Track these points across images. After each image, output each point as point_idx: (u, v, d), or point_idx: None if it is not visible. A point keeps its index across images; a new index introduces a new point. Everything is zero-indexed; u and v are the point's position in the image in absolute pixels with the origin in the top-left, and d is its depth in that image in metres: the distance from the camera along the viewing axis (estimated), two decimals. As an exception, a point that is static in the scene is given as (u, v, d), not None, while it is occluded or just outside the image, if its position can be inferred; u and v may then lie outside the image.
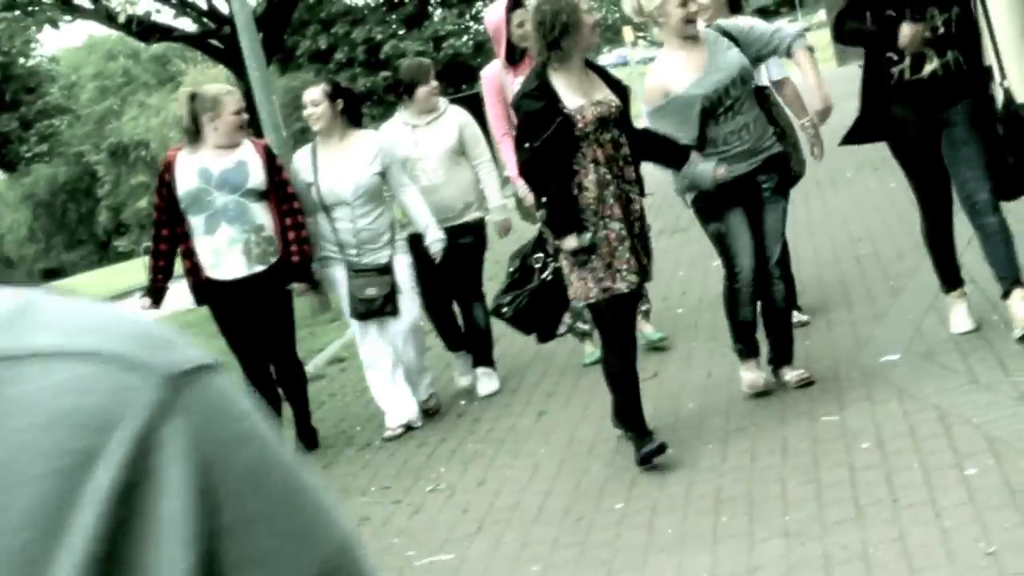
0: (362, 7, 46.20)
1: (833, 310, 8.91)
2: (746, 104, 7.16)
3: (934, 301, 7.99)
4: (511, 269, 7.48)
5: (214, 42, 19.46)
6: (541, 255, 7.31)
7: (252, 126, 9.02)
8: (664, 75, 7.21)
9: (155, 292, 8.48)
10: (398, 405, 8.73)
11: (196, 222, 8.33)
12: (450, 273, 9.05)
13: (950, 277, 7.57)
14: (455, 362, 9.67)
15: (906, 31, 6.93)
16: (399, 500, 7.47)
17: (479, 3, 46.41)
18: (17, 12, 16.23)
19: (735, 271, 7.24)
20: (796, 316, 8.30)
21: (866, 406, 6.76)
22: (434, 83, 9.06)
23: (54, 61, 52.78)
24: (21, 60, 35.26)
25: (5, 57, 31.55)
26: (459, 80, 44.50)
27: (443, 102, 9.26)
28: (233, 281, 8.35)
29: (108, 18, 18.44)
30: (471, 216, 9.07)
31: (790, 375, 7.42)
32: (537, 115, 6.65)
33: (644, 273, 6.85)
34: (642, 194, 6.93)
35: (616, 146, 6.74)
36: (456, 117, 9.14)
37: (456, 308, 9.47)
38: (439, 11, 46.26)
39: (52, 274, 53.86)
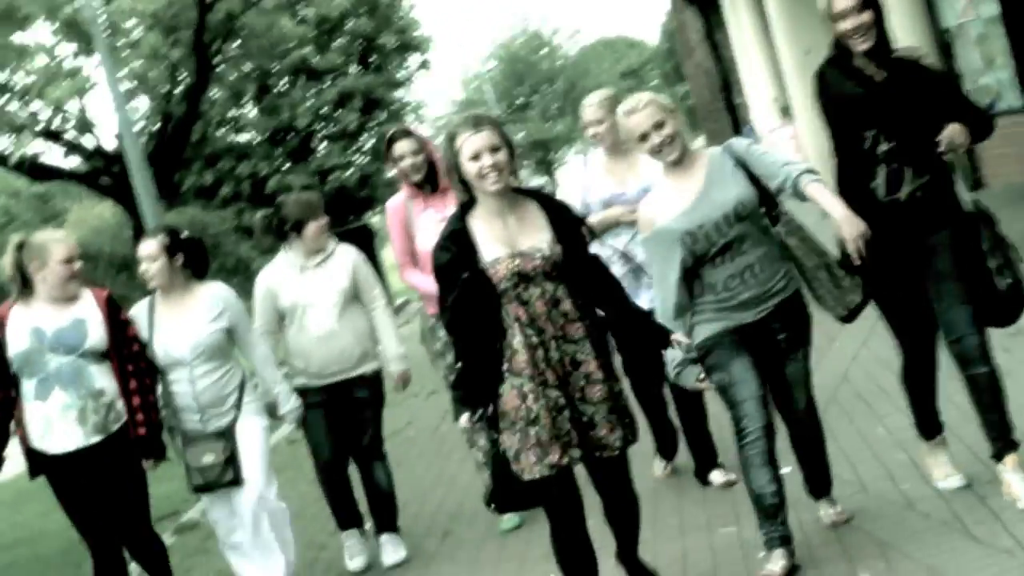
0: (246, 143, 46.41)
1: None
2: (748, 242, 6.20)
3: (823, 412, 8.28)
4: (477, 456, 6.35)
5: (104, 179, 19.60)
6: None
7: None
8: (653, 201, 6.38)
9: None
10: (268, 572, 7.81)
11: (28, 386, 7.41)
12: (346, 432, 8.36)
13: (929, 424, 6.80)
14: (344, 544, 8.57)
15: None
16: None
17: (363, 136, 46.93)
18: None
19: (743, 429, 6.21)
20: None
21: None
22: (324, 218, 8.30)
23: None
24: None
25: None
26: (345, 213, 44.80)
27: (332, 241, 8.45)
28: (65, 455, 7.40)
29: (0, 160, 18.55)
30: (367, 367, 8.35)
31: (825, 511, 6.69)
32: (445, 269, 5.84)
33: (592, 446, 5.87)
34: (603, 353, 5.95)
35: (552, 302, 5.82)
36: (347, 257, 8.37)
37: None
38: (323, 145, 46.59)
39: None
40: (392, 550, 8.38)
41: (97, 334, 7.40)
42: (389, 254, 37.33)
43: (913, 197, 6.24)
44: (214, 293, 7.80)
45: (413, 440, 12.27)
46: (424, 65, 48.29)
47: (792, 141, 23.67)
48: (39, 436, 7.35)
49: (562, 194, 8.20)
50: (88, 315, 7.44)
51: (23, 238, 7.54)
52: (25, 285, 7.45)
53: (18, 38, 13.05)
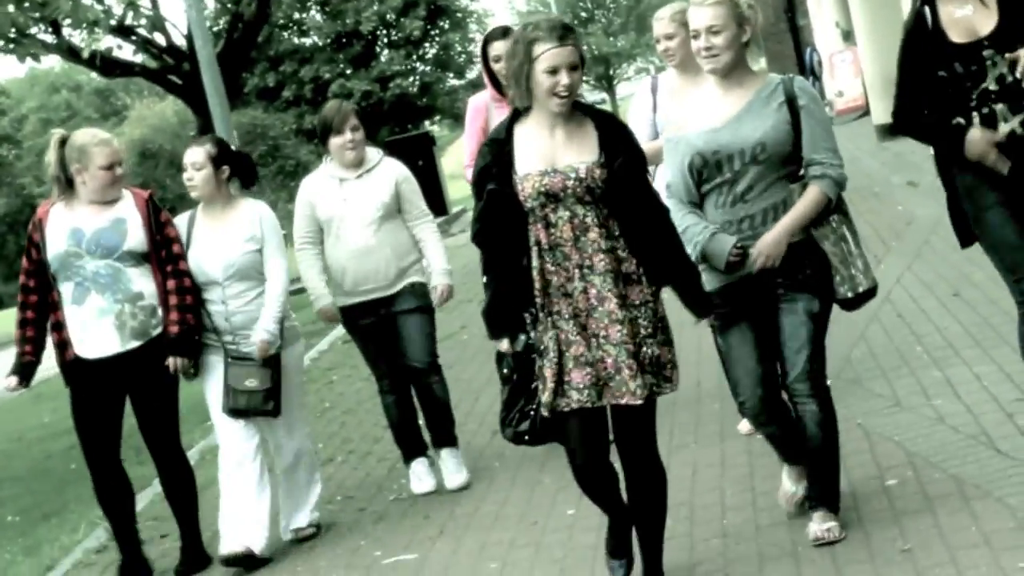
0: (310, 46, 46.72)
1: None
2: (755, 189, 5.63)
3: (864, 330, 8.59)
4: (505, 371, 5.62)
5: (173, 78, 19.97)
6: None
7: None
8: (691, 104, 5.92)
9: (23, 368, 7.36)
10: (243, 526, 7.31)
11: (65, 290, 7.25)
12: (397, 348, 8.00)
13: None
14: (411, 471, 8.17)
15: (975, 137, 5.78)
16: (363, 508, 8.00)
17: (426, 44, 47.12)
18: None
19: (740, 402, 5.94)
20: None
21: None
22: (351, 134, 7.83)
23: (2, 93, 53.18)
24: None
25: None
26: (405, 120, 45.15)
27: (375, 152, 8.10)
28: (102, 360, 7.21)
29: (71, 53, 18.92)
30: (408, 281, 7.95)
31: (815, 527, 5.75)
32: (479, 176, 5.49)
33: (607, 389, 5.38)
34: (649, 282, 5.41)
35: (580, 228, 5.34)
36: (391, 170, 8.01)
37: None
38: (386, 52, 46.81)
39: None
40: (454, 470, 8.01)
41: (137, 236, 7.25)
42: (448, 163, 37.64)
43: (1013, 136, 5.75)
44: (254, 211, 7.50)
45: (466, 344, 12.61)
46: (490, -26, 48.43)
47: (853, 66, 23.80)
48: (77, 341, 7.20)
49: (630, 116, 7.61)
50: (128, 215, 7.29)
51: (64, 134, 7.35)
52: (69, 184, 7.30)
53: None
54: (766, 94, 5.65)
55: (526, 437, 5.59)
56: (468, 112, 8.39)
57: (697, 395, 8.51)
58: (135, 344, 7.20)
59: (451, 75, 48.16)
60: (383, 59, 46.52)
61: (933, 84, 5.83)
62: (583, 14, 76.55)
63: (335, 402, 11.66)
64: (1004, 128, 5.73)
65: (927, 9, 5.85)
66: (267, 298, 7.37)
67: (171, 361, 7.23)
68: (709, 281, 5.68)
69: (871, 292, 5.75)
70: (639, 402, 5.36)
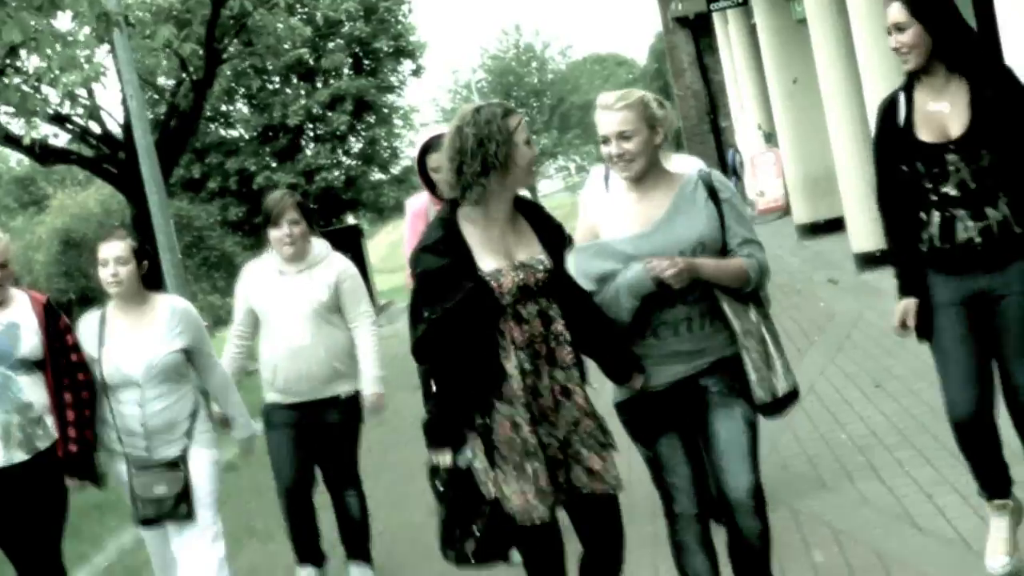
0: (236, 139, 46.99)
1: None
2: (696, 292, 5.20)
3: (790, 420, 8.93)
4: (439, 487, 5.20)
5: (108, 167, 20.20)
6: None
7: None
8: (604, 212, 5.41)
9: None
10: None
11: None
12: (316, 457, 7.71)
13: (994, 480, 5.83)
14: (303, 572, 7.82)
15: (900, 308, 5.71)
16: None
17: (351, 139, 47.52)
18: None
19: (672, 513, 5.37)
20: None
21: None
22: (288, 227, 7.47)
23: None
24: None
25: None
26: (330, 213, 45.38)
27: (322, 247, 7.72)
28: None
29: (10, 140, 19.15)
30: (341, 389, 7.61)
31: None
32: (438, 276, 5.06)
33: (565, 493, 5.17)
34: (583, 380, 5.30)
35: (545, 320, 5.13)
36: (334, 267, 7.64)
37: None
38: (312, 145, 47.17)
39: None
40: None
41: (31, 342, 6.79)
42: (376, 252, 37.90)
43: (970, 244, 5.54)
44: (173, 307, 7.03)
45: (398, 429, 12.81)
46: (417, 72, 49.02)
47: (775, 167, 24.41)
48: None
49: (582, 206, 6.97)
50: (22, 320, 6.84)
51: None
52: None
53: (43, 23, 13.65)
54: (690, 190, 5.28)
55: (471, 558, 5.18)
56: (408, 217, 7.78)
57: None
58: (20, 458, 6.71)
59: (376, 169, 48.60)
60: (309, 152, 46.87)
61: (897, 175, 5.65)
62: (506, 112, 77.35)
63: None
64: (963, 235, 5.50)
65: (902, 96, 5.64)
66: (227, 397, 7.18)
67: (70, 482, 6.81)
68: (629, 389, 5.30)
69: (791, 396, 5.32)
70: (611, 491, 5.21)
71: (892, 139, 5.62)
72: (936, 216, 5.55)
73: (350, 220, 43.94)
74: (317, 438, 7.63)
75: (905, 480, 7.41)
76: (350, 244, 32.97)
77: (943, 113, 5.52)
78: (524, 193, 5.37)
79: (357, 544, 7.83)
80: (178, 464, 6.88)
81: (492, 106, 5.17)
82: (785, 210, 22.90)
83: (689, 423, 5.31)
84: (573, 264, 5.22)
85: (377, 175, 48.98)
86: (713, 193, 5.30)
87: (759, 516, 5.27)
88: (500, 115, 5.09)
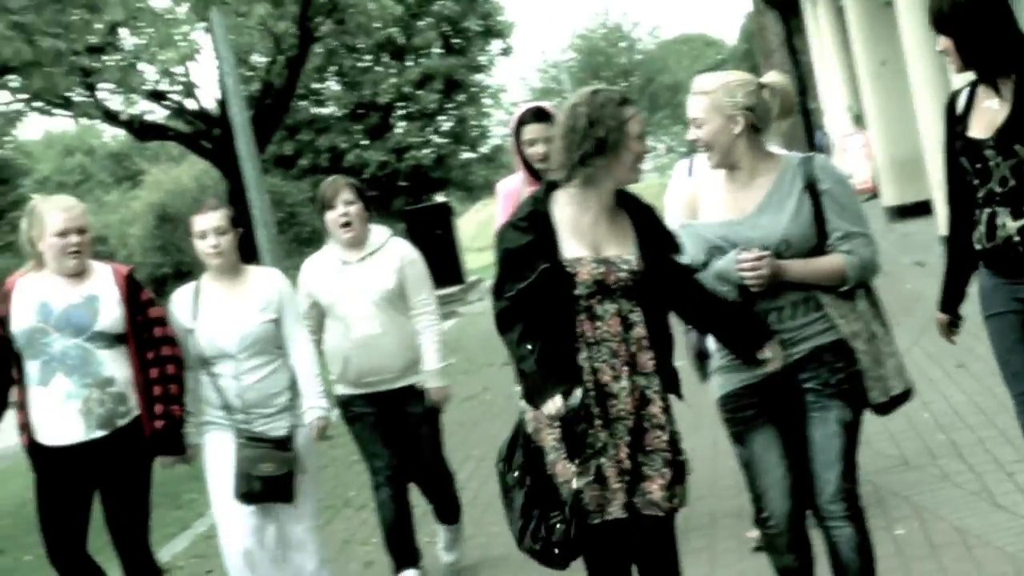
0: (327, 116, 47.35)
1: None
2: (783, 285, 5.02)
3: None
4: (514, 474, 5.05)
5: (204, 142, 20.54)
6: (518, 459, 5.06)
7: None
8: (707, 182, 5.27)
9: None
10: None
11: (31, 369, 6.64)
12: (402, 450, 7.51)
13: None
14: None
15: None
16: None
17: (441, 117, 47.79)
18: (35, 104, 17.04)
19: (764, 518, 5.21)
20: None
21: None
22: (343, 207, 7.33)
23: (28, 155, 53.94)
24: (-6, 152, 36.24)
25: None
26: (419, 191, 45.71)
27: (382, 232, 7.57)
28: (65, 448, 6.59)
29: (109, 117, 19.53)
30: (417, 377, 7.44)
31: None
32: (518, 255, 5.00)
33: (646, 503, 5.03)
34: (673, 391, 5.16)
35: (625, 324, 5.01)
36: (396, 253, 7.47)
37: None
38: (402, 124, 47.47)
39: None
40: (447, 546, 7.82)
41: (111, 314, 6.65)
42: (465, 231, 38.18)
43: (1009, 243, 5.32)
44: (266, 279, 7.06)
45: (490, 403, 13.05)
46: (506, 51, 49.20)
47: (864, 149, 24.36)
48: (38, 425, 6.62)
49: (667, 200, 6.81)
50: (103, 292, 6.70)
51: (34, 202, 6.87)
52: (39, 254, 6.74)
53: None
54: (787, 180, 5.06)
55: (556, 551, 4.95)
56: (499, 199, 7.32)
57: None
58: (100, 434, 6.57)
59: (465, 148, 48.85)
60: (399, 130, 47.18)
61: (957, 172, 5.49)
62: (595, 92, 77.25)
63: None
64: (1001, 233, 5.28)
65: (966, 92, 5.50)
66: (303, 371, 6.93)
67: (161, 461, 6.75)
68: (730, 381, 5.13)
69: (905, 395, 5.14)
70: (663, 514, 5.08)
71: (950, 134, 5.50)
72: (983, 215, 5.33)
73: (439, 199, 44.23)
74: (400, 428, 7.45)
75: (986, 458, 7.53)
76: (440, 222, 33.27)
77: (992, 109, 5.32)
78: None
79: (447, 513, 7.73)
80: (286, 443, 6.82)
81: (610, 92, 5.10)
82: (873, 192, 22.87)
83: (787, 420, 5.09)
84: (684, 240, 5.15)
85: (466, 154, 49.23)
86: (812, 184, 5.03)
87: (852, 522, 5.06)
88: (616, 102, 5.03)
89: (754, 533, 6.57)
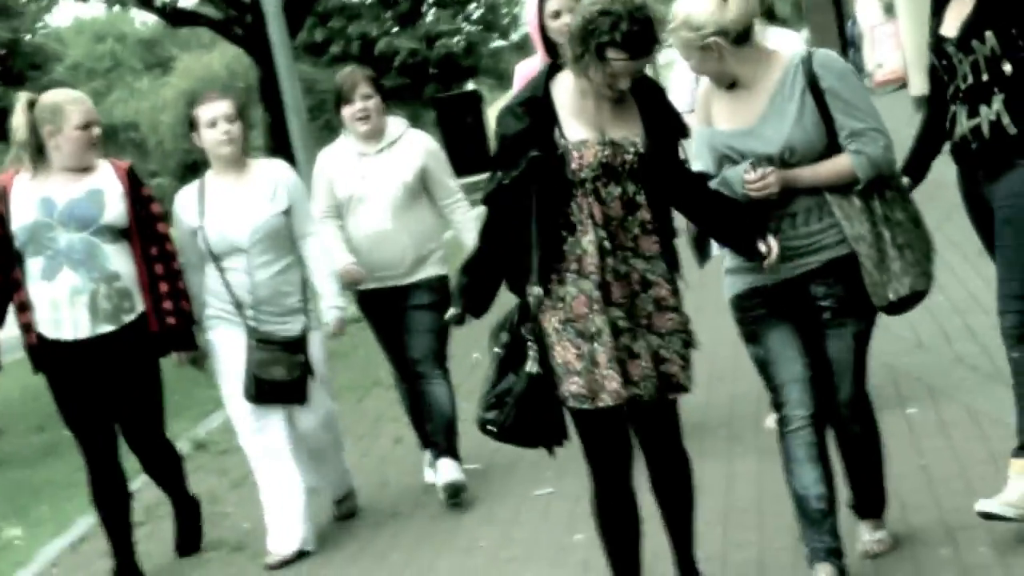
0: (358, 3, 47.28)
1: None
2: (792, 190, 4.99)
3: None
4: (496, 349, 5.01)
5: (236, 29, 20.63)
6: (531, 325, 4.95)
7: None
8: (713, 91, 5.19)
9: None
10: (288, 525, 6.91)
11: (33, 265, 6.55)
12: (401, 346, 7.41)
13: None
14: (426, 460, 7.73)
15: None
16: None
17: (472, 4, 47.66)
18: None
19: (784, 416, 5.16)
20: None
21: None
22: (362, 102, 7.18)
23: (59, 40, 53.98)
24: (27, 37, 36.26)
25: (13, 34, 32.58)
26: (450, 79, 45.71)
27: (398, 124, 7.42)
28: (72, 343, 6.56)
29: (143, 2, 19.65)
30: (428, 273, 7.30)
31: (868, 537, 5.46)
32: (513, 140, 4.87)
33: (642, 385, 4.92)
34: (674, 271, 5.05)
35: (629, 206, 4.91)
36: (417, 144, 7.33)
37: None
38: (433, 11, 47.36)
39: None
40: (448, 468, 7.28)
41: (116, 208, 6.59)
42: (494, 119, 38.17)
43: (964, 141, 5.31)
44: (273, 170, 6.94)
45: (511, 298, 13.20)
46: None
47: (893, 39, 24.31)
48: (44, 321, 6.57)
49: (671, 86, 6.97)
50: (106, 186, 6.62)
51: (33, 97, 6.70)
52: (39, 151, 6.61)
53: None
54: (788, 83, 4.99)
55: (491, 428, 5.00)
56: (516, 81, 7.21)
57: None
58: (106, 329, 6.57)
59: (496, 36, 48.72)
60: (429, 18, 47.10)
61: (934, 68, 5.42)
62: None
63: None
64: (959, 131, 5.26)
65: None
66: (317, 268, 6.91)
67: (177, 356, 6.82)
68: (742, 282, 5.14)
69: (916, 297, 5.13)
70: (687, 393, 5.08)
71: (932, 29, 5.41)
72: (951, 112, 5.29)
73: (469, 86, 44.23)
74: (407, 320, 7.33)
75: (1000, 342, 7.68)
76: (470, 109, 33.25)
77: (963, 5, 5.23)
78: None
79: (445, 437, 7.35)
80: (298, 345, 6.76)
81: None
82: (903, 82, 22.85)
83: (803, 324, 5.10)
84: (693, 147, 5.16)
85: (497, 42, 49.13)
86: (814, 83, 4.96)
87: (861, 423, 5.25)
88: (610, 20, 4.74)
89: (771, 421, 6.62)
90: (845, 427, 5.25)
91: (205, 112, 6.79)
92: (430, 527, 7.12)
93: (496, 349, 5.00)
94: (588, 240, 4.85)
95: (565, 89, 4.93)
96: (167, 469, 7.16)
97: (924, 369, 7.58)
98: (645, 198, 4.92)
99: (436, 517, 7.22)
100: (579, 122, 4.89)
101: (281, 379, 6.69)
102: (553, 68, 5.01)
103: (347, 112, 7.22)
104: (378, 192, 7.19)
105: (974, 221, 5.51)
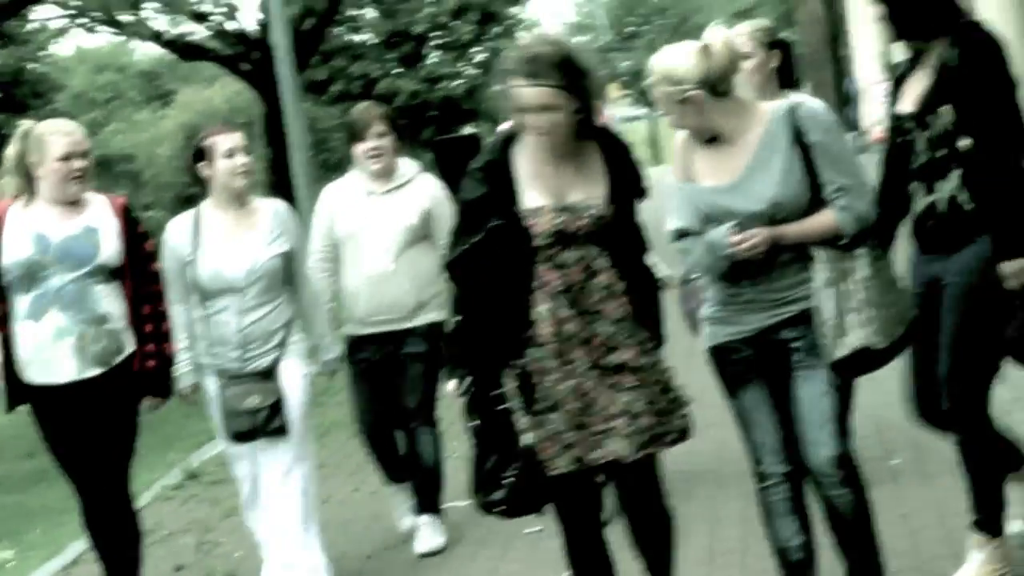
0: (362, 43, 47.51)
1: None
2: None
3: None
4: (472, 424, 4.98)
5: (244, 65, 20.82)
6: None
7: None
8: (695, 156, 5.00)
9: None
10: (305, 563, 6.61)
11: (21, 302, 6.28)
12: (394, 393, 7.23)
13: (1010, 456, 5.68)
14: (393, 499, 7.60)
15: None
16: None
17: (474, 49, 47.93)
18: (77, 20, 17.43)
19: (760, 473, 5.09)
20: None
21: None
22: (375, 140, 7.07)
23: (64, 70, 54.20)
24: (31, 65, 36.45)
25: (17, 62, 32.78)
26: (449, 122, 45.93)
27: (410, 166, 7.28)
28: (54, 387, 6.27)
29: (153, 36, 19.86)
30: (425, 318, 7.11)
31: None
32: (472, 207, 4.86)
33: (613, 443, 4.86)
34: (653, 329, 4.99)
35: (589, 271, 4.85)
36: (425, 189, 7.16)
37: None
38: (436, 53, 47.63)
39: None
40: (430, 535, 7.23)
41: (111, 247, 6.32)
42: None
43: (923, 219, 5.29)
44: (276, 209, 6.70)
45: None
46: (542, -16, 49.24)
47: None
48: (27, 362, 6.29)
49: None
50: (100, 224, 6.36)
51: (30, 126, 6.45)
52: (29, 182, 6.35)
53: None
54: (773, 136, 4.84)
55: (501, 507, 4.96)
56: None
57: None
58: (94, 372, 6.26)
59: (497, 80, 48.82)
60: (432, 60, 47.35)
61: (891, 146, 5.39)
62: (629, 28, 77.34)
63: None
64: (916, 208, 5.23)
65: (905, 65, 5.40)
66: (311, 313, 6.76)
67: (148, 401, 6.44)
68: (720, 333, 5.02)
69: (873, 354, 4.85)
70: (668, 447, 5.00)
71: (887, 110, 5.42)
72: (909, 189, 5.26)
73: (468, 130, 44.39)
74: (396, 369, 7.18)
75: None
76: (469, 153, 33.22)
77: (919, 82, 5.21)
78: (638, 114, 5.14)
79: (426, 494, 7.29)
80: (271, 374, 6.51)
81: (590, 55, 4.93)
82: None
83: (776, 377, 4.96)
84: (673, 203, 4.97)
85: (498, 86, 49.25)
86: (800, 135, 4.80)
87: (847, 486, 4.92)
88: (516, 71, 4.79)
89: None
90: (829, 494, 4.95)
91: (224, 141, 6.56)
92: (419, 564, 7.19)
93: (472, 423, 4.95)
94: (545, 308, 4.81)
95: (525, 152, 4.86)
96: (127, 531, 6.55)
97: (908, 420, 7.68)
98: (609, 261, 4.87)
99: (425, 554, 7.24)
100: (536, 187, 4.82)
101: (257, 407, 6.41)
102: (513, 134, 4.91)
103: (359, 149, 7.09)
104: (381, 232, 7.06)
105: (918, 298, 5.21)
